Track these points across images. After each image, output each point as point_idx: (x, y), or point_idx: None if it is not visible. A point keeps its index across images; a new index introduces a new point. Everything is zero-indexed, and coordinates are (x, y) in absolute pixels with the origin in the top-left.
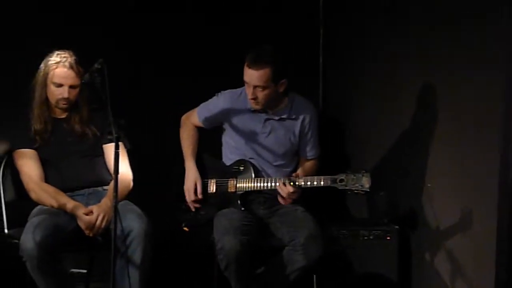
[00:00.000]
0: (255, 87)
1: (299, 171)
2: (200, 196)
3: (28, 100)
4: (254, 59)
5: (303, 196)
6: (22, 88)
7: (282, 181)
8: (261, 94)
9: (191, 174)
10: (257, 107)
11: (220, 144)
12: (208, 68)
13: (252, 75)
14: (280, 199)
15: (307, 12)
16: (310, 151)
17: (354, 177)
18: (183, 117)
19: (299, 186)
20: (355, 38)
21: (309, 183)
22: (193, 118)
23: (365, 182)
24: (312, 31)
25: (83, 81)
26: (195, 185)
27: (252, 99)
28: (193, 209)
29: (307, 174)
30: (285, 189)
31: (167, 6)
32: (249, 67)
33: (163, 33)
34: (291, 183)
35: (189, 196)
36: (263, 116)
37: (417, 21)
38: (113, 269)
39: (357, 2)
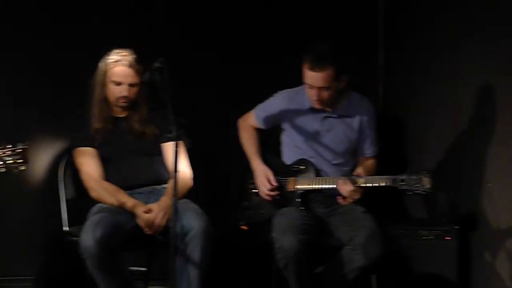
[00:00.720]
0: (319, 88)
1: (359, 171)
2: (275, 184)
3: (88, 99)
4: (315, 61)
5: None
6: (83, 87)
7: (343, 180)
8: (325, 94)
9: (261, 169)
10: (321, 106)
11: (279, 144)
12: (267, 67)
13: (315, 78)
14: (340, 199)
15: (368, 11)
16: (368, 149)
17: (415, 177)
18: (240, 120)
19: (360, 186)
20: (416, 38)
21: (370, 183)
22: (250, 120)
23: (426, 183)
24: (372, 31)
25: (143, 80)
26: (267, 176)
27: (317, 100)
28: (271, 199)
29: (367, 173)
30: (346, 189)
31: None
32: (312, 70)
33: (225, 26)
34: (353, 183)
35: (265, 186)
36: (322, 114)
37: (479, 20)
38: (172, 267)
39: (419, 0)
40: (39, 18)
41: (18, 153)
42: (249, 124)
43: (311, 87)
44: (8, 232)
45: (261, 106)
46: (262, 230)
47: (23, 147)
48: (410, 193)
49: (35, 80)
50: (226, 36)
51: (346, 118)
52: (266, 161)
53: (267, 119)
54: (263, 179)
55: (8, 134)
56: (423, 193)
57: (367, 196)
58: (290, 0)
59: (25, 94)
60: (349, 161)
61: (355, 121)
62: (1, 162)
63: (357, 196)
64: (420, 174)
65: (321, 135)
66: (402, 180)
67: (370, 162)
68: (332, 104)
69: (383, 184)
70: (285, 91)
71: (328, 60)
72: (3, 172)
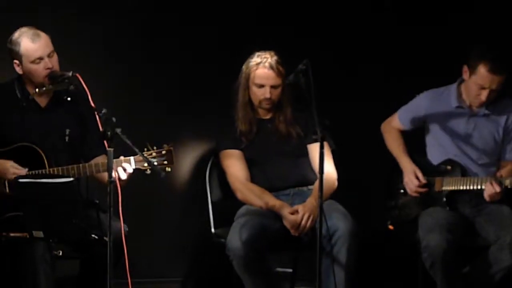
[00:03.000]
0: (491, 90)
1: (502, 171)
2: (424, 181)
3: (233, 102)
4: (497, 65)
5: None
6: (227, 90)
7: (490, 181)
8: (492, 95)
9: (409, 167)
10: (480, 106)
11: (423, 145)
12: (410, 69)
13: (494, 80)
14: (486, 197)
15: None
16: (510, 152)
17: None
18: (383, 125)
19: (506, 186)
20: None
21: None
22: (394, 123)
23: None
24: None
25: (287, 81)
26: (415, 173)
27: (484, 101)
28: (419, 196)
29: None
30: (490, 188)
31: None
32: (492, 72)
33: (365, 34)
34: (499, 184)
35: (413, 183)
36: (467, 112)
37: None
38: (318, 268)
39: None
40: (188, 32)
41: (163, 155)
42: (393, 126)
43: (482, 88)
44: (156, 234)
45: (405, 108)
46: (408, 230)
47: (168, 148)
48: None
49: (178, 84)
50: (371, 40)
51: (491, 117)
52: (414, 161)
53: (412, 120)
54: (412, 176)
55: (153, 137)
56: None
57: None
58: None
59: (169, 98)
60: (495, 161)
61: (502, 121)
62: (147, 164)
63: (499, 197)
64: None
65: (467, 134)
66: None
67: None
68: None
69: None
70: (429, 91)
71: (506, 65)
72: (149, 174)
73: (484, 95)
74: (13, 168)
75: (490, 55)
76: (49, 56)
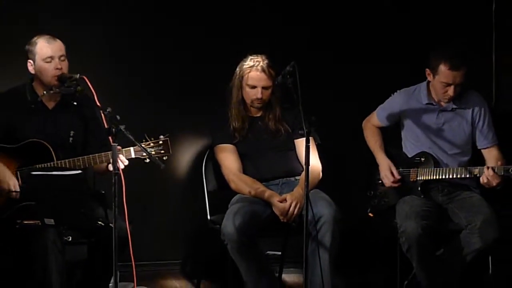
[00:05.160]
0: (456, 85)
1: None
2: (398, 176)
3: (227, 101)
4: (456, 62)
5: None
6: (223, 91)
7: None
8: (458, 89)
9: (384, 162)
10: (449, 101)
11: (399, 139)
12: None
13: (456, 77)
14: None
15: (480, 10)
16: (485, 139)
17: None
18: (364, 122)
19: (475, 175)
20: None
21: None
22: (373, 120)
23: None
24: (485, 26)
25: (276, 82)
26: (390, 169)
27: (450, 97)
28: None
29: (495, 164)
30: (489, 175)
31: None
32: (452, 69)
33: (348, 35)
34: (470, 173)
35: (388, 179)
36: (437, 108)
37: None
38: (305, 251)
39: None
40: (186, 32)
41: (160, 145)
42: (372, 123)
43: (448, 85)
44: (157, 221)
45: (382, 106)
46: (386, 217)
47: (164, 139)
48: None
49: (178, 85)
50: (351, 36)
51: (459, 111)
52: (390, 154)
53: (388, 117)
54: (387, 172)
55: (154, 133)
56: None
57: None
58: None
59: (169, 97)
60: (466, 151)
61: (468, 114)
62: (145, 154)
63: (495, 183)
64: None
65: (438, 128)
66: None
67: (494, 153)
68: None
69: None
70: (402, 90)
71: (464, 59)
72: (151, 166)
73: (451, 90)
74: (12, 184)
75: (448, 54)
76: (60, 58)
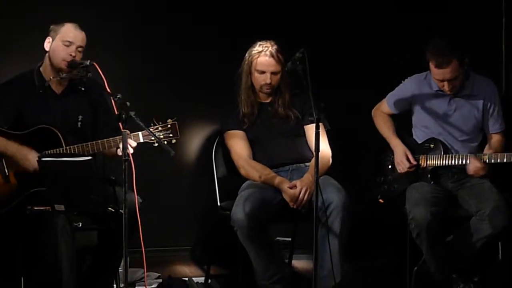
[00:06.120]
0: (449, 80)
1: (486, 148)
2: (414, 162)
3: (236, 86)
4: (440, 60)
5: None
6: (232, 76)
7: (472, 158)
8: (455, 83)
9: (400, 148)
10: (452, 92)
11: (410, 126)
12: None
13: (444, 74)
14: (469, 172)
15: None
16: (493, 126)
17: None
18: (374, 110)
19: (485, 161)
20: None
21: (494, 159)
22: (383, 108)
23: None
24: (495, 14)
25: (286, 68)
26: (406, 155)
27: (450, 89)
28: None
29: (495, 150)
30: (474, 165)
31: None
32: (439, 67)
33: (359, 23)
34: (479, 160)
35: (404, 164)
36: (448, 95)
37: None
38: (315, 237)
39: None
40: (198, 20)
41: (169, 128)
42: (382, 111)
43: (441, 81)
44: (168, 207)
45: (392, 93)
46: (396, 203)
47: (172, 122)
48: None
49: (191, 73)
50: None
51: (470, 98)
52: (401, 140)
53: (399, 104)
54: (404, 158)
55: (163, 119)
56: None
57: (494, 171)
58: None
59: (181, 86)
60: (475, 137)
61: (480, 101)
62: (154, 138)
63: (482, 172)
64: None
65: (448, 114)
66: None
67: (497, 138)
68: (459, 85)
69: (505, 160)
70: (413, 76)
71: (450, 54)
72: (161, 154)
73: (446, 86)
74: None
75: (433, 52)
76: (78, 48)
